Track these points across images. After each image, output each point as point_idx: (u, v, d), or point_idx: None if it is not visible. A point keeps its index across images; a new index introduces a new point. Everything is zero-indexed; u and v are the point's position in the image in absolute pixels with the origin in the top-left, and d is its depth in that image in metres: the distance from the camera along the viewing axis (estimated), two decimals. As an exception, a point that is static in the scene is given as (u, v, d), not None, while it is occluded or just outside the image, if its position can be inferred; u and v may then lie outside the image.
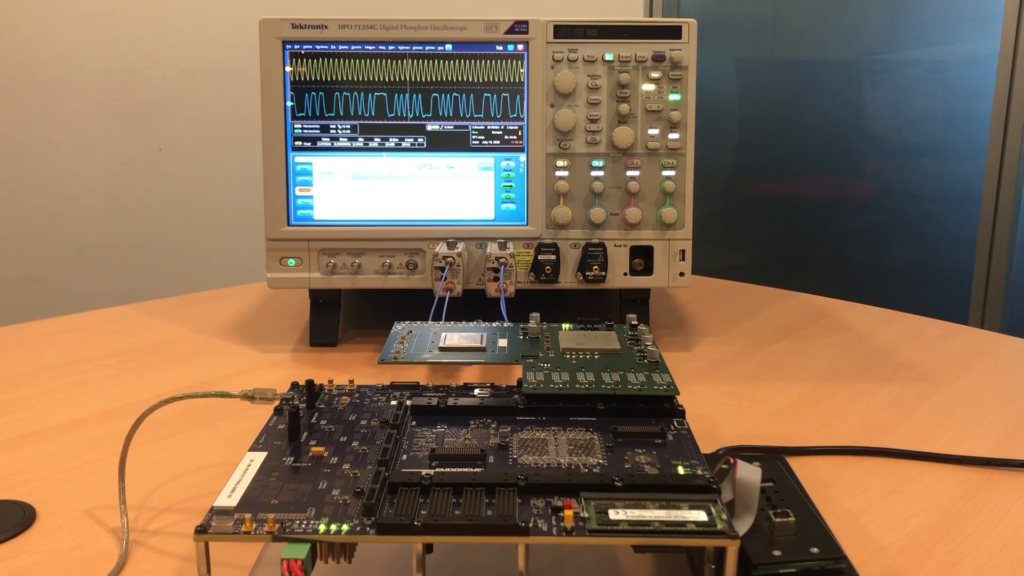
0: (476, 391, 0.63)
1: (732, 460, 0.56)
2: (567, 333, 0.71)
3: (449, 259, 0.86)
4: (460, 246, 0.90)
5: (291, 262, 0.94)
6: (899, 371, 0.91)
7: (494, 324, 0.73)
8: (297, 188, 0.94)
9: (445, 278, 0.86)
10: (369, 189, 0.94)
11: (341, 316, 1.01)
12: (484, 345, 0.68)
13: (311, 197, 0.94)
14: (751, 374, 0.90)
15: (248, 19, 1.06)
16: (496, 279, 0.87)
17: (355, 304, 1.11)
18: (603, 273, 0.93)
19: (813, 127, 2.29)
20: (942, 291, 2.06)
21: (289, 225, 0.94)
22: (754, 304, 1.14)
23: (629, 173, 0.93)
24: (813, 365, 0.93)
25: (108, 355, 0.94)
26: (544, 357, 0.66)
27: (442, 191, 0.94)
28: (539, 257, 0.93)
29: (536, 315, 0.73)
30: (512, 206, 0.94)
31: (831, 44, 2.25)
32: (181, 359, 0.93)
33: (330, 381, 0.65)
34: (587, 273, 0.93)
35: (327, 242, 0.94)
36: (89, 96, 1.85)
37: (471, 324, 0.73)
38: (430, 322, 0.74)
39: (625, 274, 0.94)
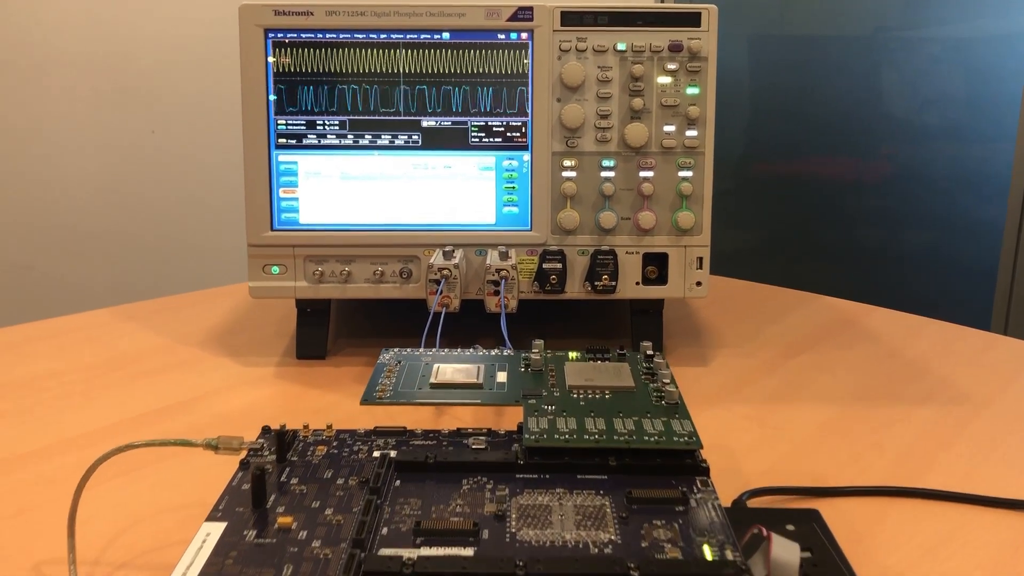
0: (471, 440, 0.54)
1: (766, 533, 0.47)
2: (574, 365, 0.62)
3: (445, 271, 0.77)
4: (458, 255, 0.80)
5: (275, 269, 0.85)
6: (935, 391, 0.82)
7: (492, 352, 0.64)
8: (281, 189, 0.85)
9: (441, 292, 0.77)
10: (359, 191, 0.84)
11: (331, 326, 0.92)
12: (481, 381, 0.59)
13: (296, 199, 0.85)
14: (773, 393, 0.81)
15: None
16: (496, 293, 0.77)
17: (346, 311, 1.02)
18: (613, 283, 0.84)
19: (826, 106, 2.18)
20: (959, 279, 1.96)
21: (272, 230, 0.85)
22: (774, 309, 1.05)
23: (642, 174, 0.84)
24: (840, 383, 0.83)
25: (77, 369, 0.85)
26: (548, 397, 0.57)
27: (439, 193, 0.84)
28: (544, 265, 0.83)
29: (540, 343, 0.64)
30: (515, 209, 0.85)
31: (844, 19, 2.14)
32: (156, 373, 0.84)
33: (305, 426, 0.56)
34: (596, 283, 0.84)
35: (314, 248, 0.84)
36: (79, 79, 1.75)
37: (467, 353, 0.64)
38: (422, 349, 0.65)
39: (637, 283, 0.85)
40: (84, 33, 1.75)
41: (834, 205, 2.19)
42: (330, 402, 0.78)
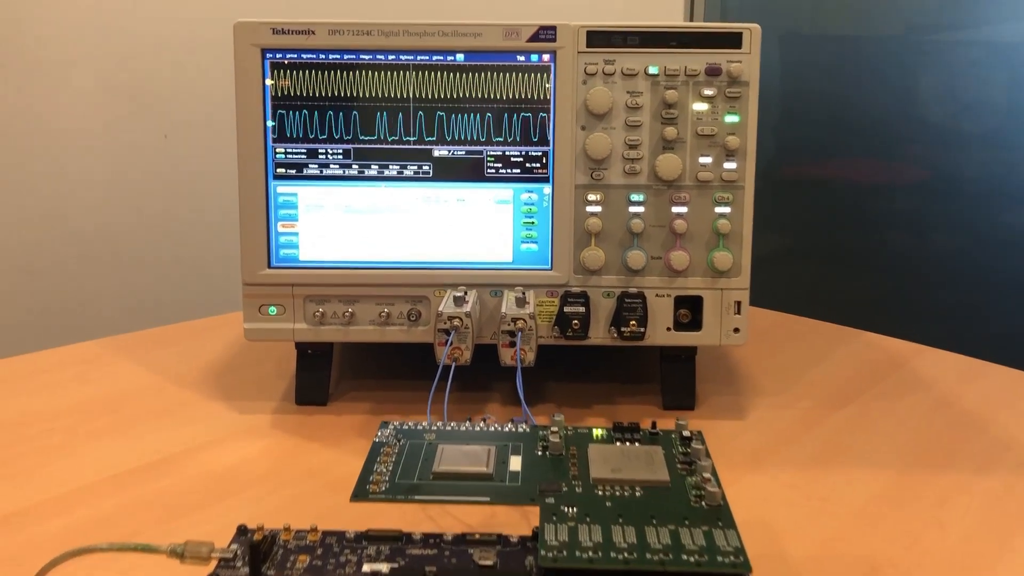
0: (477, 553, 0.45)
1: None
2: (600, 449, 0.53)
3: (456, 320, 0.68)
4: (470, 300, 0.71)
5: (272, 310, 0.76)
6: (996, 452, 0.72)
7: (506, 428, 0.56)
8: (279, 224, 0.76)
9: (451, 344, 0.68)
10: (364, 225, 0.76)
11: (334, 368, 0.83)
12: (491, 470, 0.51)
13: (296, 234, 0.76)
14: (817, 454, 0.71)
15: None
16: (512, 344, 0.68)
17: (351, 350, 0.93)
18: (642, 329, 0.74)
19: (856, 108, 2.06)
20: (992, 290, 1.85)
21: (270, 267, 0.76)
22: (815, 348, 0.96)
23: (675, 209, 0.74)
24: (891, 441, 0.74)
25: (61, 412, 0.77)
26: (569, 494, 0.48)
27: (451, 228, 0.75)
28: (565, 309, 0.74)
29: (560, 419, 0.55)
30: (534, 247, 0.76)
31: (879, 19, 2.01)
32: (142, 421, 0.76)
33: (286, 528, 0.48)
34: (623, 328, 0.74)
35: (314, 287, 0.76)
36: (89, 79, 1.67)
37: (476, 429, 0.55)
38: (425, 423, 0.56)
39: (669, 329, 0.76)
40: (96, 33, 1.67)
41: (864, 209, 2.07)
42: (327, 461, 0.69)
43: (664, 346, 0.77)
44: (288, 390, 0.82)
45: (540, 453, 0.53)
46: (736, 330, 0.76)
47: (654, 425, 0.55)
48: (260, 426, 0.75)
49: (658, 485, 0.49)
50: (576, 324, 0.74)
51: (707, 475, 0.50)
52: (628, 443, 0.53)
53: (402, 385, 0.83)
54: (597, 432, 0.55)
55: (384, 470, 0.51)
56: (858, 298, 1.87)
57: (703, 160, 0.74)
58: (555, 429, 0.54)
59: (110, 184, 1.71)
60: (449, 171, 0.75)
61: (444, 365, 0.68)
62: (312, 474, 0.67)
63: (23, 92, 1.65)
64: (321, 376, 0.80)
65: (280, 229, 0.76)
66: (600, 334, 0.76)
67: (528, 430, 0.55)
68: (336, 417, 0.77)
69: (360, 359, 0.90)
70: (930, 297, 1.93)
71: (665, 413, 0.78)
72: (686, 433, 0.55)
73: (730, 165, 0.74)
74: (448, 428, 0.55)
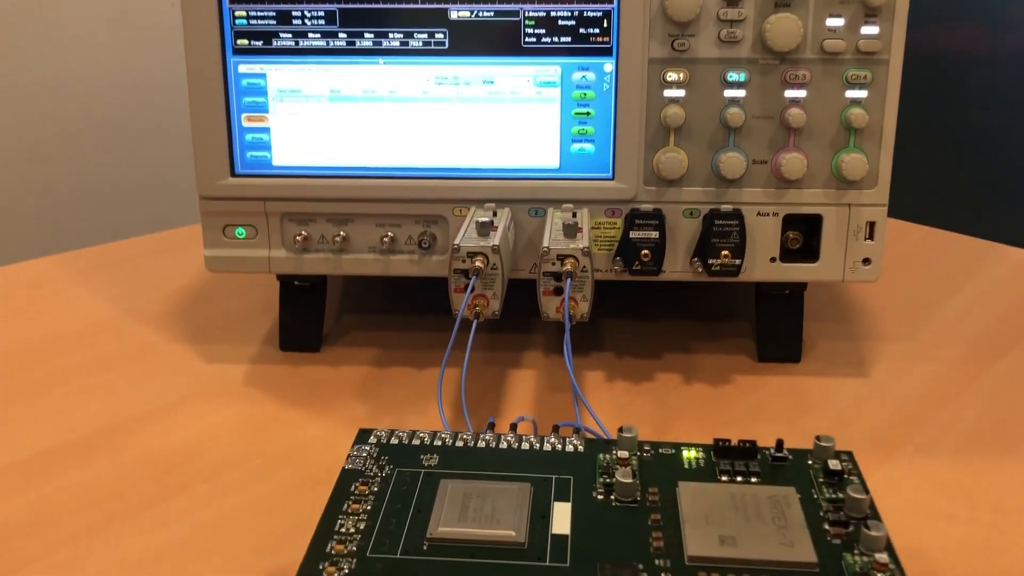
0: None
1: None
2: (697, 493, 0.32)
3: (479, 258, 0.47)
4: (500, 224, 0.50)
5: (240, 232, 0.55)
6: None
7: (548, 444, 0.35)
8: (244, 116, 0.54)
9: (472, 290, 0.47)
10: (357, 118, 0.54)
11: (331, 302, 0.63)
12: (523, 537, 0.30)
13: (266, 131, 0.54)
14: (976, 434, 0.50)
15: None
16: (557, 292, 0.47)
17: (353, 277, 0.72)
18: (737, 261, 0.53)
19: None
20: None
21: (234, 176, 0.55)
22: (948, 270, 0.73)
23: (789, 94, 0.51)
24: (1072, 413, 0.52)
25: (-16, 363, 0.58)
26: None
27: (475, 122, 0.53)
28: (631, 235, 0.53)
29: (631, 436, 0.34)
30: (589, 147, 0.53)
31: None
32: (91, 372, 0.57)
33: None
34: (711, 260, 0.53)
35: (294, 203, 0.55)
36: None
37: (503, 446, 0.35)
38: (424, 434, 0.35)
39: (773, 260, 0.54)
40: None
41: (953, 83, 1.76)
42: (313, 438, 0.50)
43: (762, 282, 0.56)
44: (274, 328, 0.62)
45: (601, 497, 0.32)
46: (866, 261, 0.54)
47: (780, 446, 0.34)
48: (231, 383, 0.56)
49: (801, 569, 0.29)
50: (646, 255, 0.52)
51: (880, 544, 0.29)
52: (739, 478, 0.32)
53: (418, 323, 0.62)
54: (689, 454, 0.34)
55: (351, 528, 0.31)
56: (981, 194, 1.58)
57: (831, 22, 0.50)
58: (623, 455, 0.33)
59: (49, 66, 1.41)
60: (472, 41, 0.52)
61: (463, 318, 0.47)
62: (290, 458, 0.48)
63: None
64: (311, 315, 0.60)
65: (245, 124, 0.54)
66: (679, 267, 0.54)
67: (582, 448, 0.34)
68: (330, 370, 0.57)
69: (365, 287, 0.70)
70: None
71: (760, 368, 0.57)
72: (834, 464, 0.33)
73: (870, 29, 0.50)
74: (459, 444, 0.35)
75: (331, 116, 0.54)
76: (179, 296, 0.68)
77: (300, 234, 0.55)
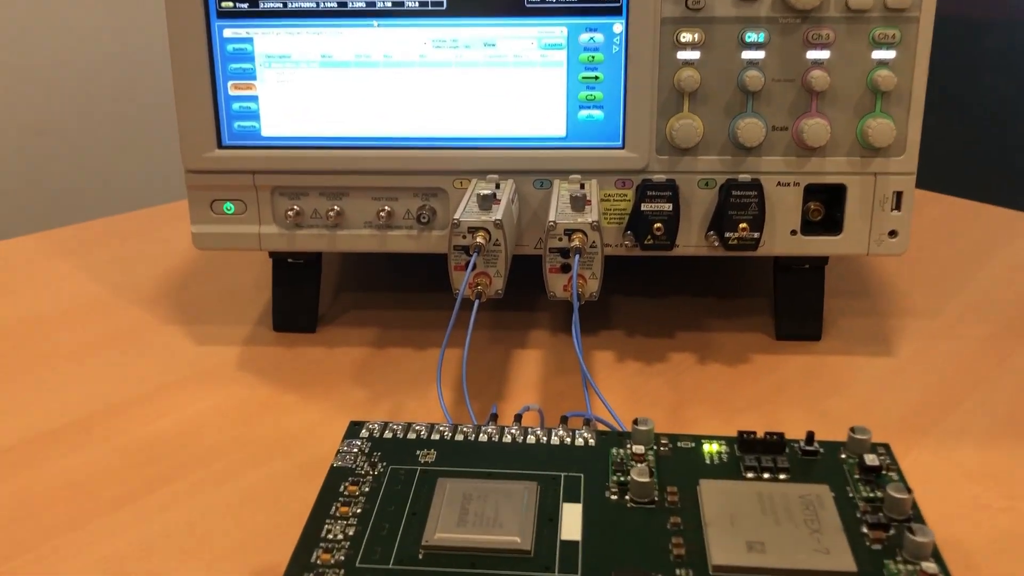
0: None
1: None
2: (720, 491, 0.29)
3: (481, 233, 0.43)
4: (504, 196, 0.47)
5: (229, 208, 0.52)
6: None
7: (556, 437, 0.32)
8: (230, 84, 0.51)
9: (473, 268, 0.43)
10: (350, 85, 0.50)
11: (328, 279, 0.60)
12: (529, 545, 0.27)
13: (254, 99, 0.51)
14: (1004, 416, 0.47)
15: None
16: (564, 269, 0.44)
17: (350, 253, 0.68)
18: (756, 234, 0.49)
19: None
20: None
21: (221, 147, 0.51)
22: (976, 242, 0.69)
23: (812, 55, 0.48)
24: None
25: (-41, 349, 0.55)
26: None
27: (475, 88, 0.50)
28: (643, 207, 0.49)
29: (647, 428, 0.31)
30: (598, 114, 0.50)
31: None
32: (74, 357, 0.54)
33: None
34: (728, 234, 0.49)
35: (285, 175, 0.51)
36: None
37: (507, 440, 0.32)
38: (421, 426, 0.32)
39: (794, 232, 0.50)
40: None
41: (969, 48, 1.70)
42: (305, 424, 0.47)
43: (781, 256, 0.52)
44: (267, 309, 0.59)
45: (615, 498, 0.29)
46: (892, 233, 0.50)
47: (810, 438, 0.31)
48: (222, 366, 0.53)
49: (835, 584, 0.26)
50: (659, 229, 0.49)
51: (930, 567, 0.26)
52: (766, 474, 0.29)
53: (420, 301, 0.59)
54: (710, 448, 0.31)
55: (339, 535, 0.28)
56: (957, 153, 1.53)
57: (859, -23, 0.46)
58: (639, 450, 0.30)
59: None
60: (472, 0, 0.48)
61: (463, 298, 0.44)
62: (283, 447, 0.45)
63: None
64: (306, 294, 0.56)
65: (232, 92, 0.51)
66: (693, 241, 0.51)
67: (594, 442, 0.31)
68: (326, 351, 0.54)
69: (364, 264, 0.66)
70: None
71: (778, 346, 0.54)
72: (871, 459, 0.30)
73: (900, -16, 0.46)
74: (458, 438, 0.32)
75: (322, 83, 0.50)
76: (169, 275, 0.65)
77: (292, 209, 0.52)
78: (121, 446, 0.45)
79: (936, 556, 0.27)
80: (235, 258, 0.66)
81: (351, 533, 0.29)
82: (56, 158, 1.33)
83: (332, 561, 0.27)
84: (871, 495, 0.30)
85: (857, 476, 0.31)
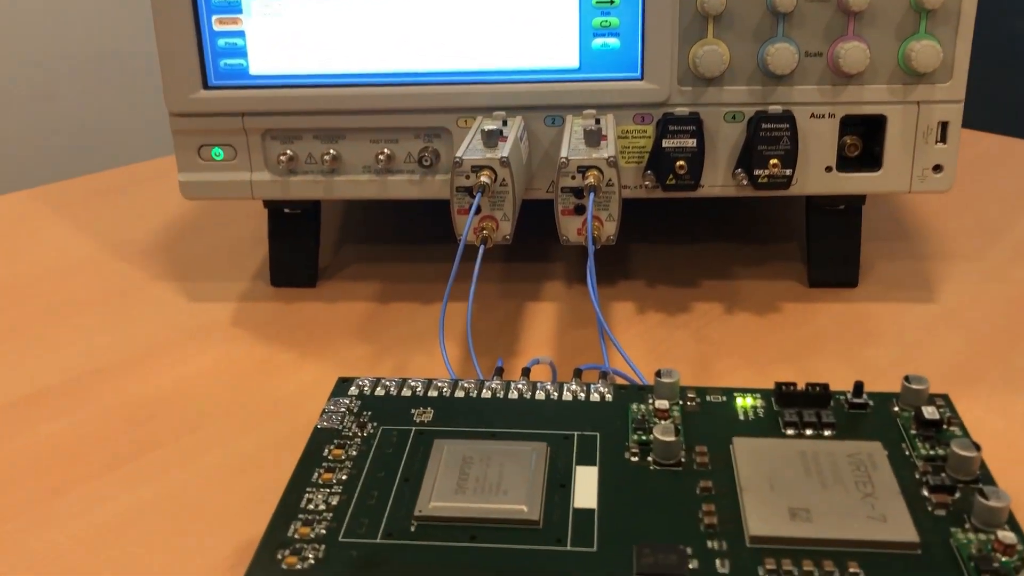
0: None
1: None
2: (756, 450, 0.25)
3: (485, 172, 0.39)
4: (511, 133, 0.42)
5: (217, 153, 0.48)
6: None
7: (569, 392, 0.28)
8: (215, 19, 0.46)
9: (477, 210, 0.39)
10: (345, 16, 0.46)
11: (328, 231, 0.56)
12: (537, 514, 0.23)
13: (241, 34, 0.47)
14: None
15: None
16: (579, 211, 0.40)
17: (352, 200, 0.65)
18: (788, 171, 0.45)
19: None
20: None
21: (207, 87, 0.47)
22: (1020, 179, 0.64)
23: (849, -29, 0.43)
24: None
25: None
26: (705, 569, 0.21)
27: (479, 17, 0.45)
28: (664, 144, 0.45)
29: (672, 381, 0.27)
30: (614, 42, 0.45)
31: None
32: (65, 316, 0.51)
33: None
34: (757, 171, 0.45)
35: (277, 117, 0.47)
36: None
37: (513, 396, 0.28)
38: (416, 382, 0.29)
39: (829, 169, 0.46)
40: None
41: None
42: (303, 385, 0.43)
43: (813, 196, 0.48)
44: (265, 263, 0.55)
45: (635, 460, 0.25)
46: (937, 168, 0.46)
47: (859, 389, 0.27)
48: (217, 323, 0.49)
49: (897, 550, 0.22)
50: (682, 167, 0.45)
51: (1007, 536, 0.22)
52: (808, 431, 0.25)
53: (427, 252, 0.55)
54: (744, 402, 0.27)
55: (321, 505, 0.24)
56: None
57: None
58: (663, 406, 0.26)
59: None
60: (473, -80, 0.44)
61: (468, 244, 0.40)
62: (278, 408, 0.41)
63: None
64: (305, 246, 0.53)
65: (217, 27, 0.46)
66: (719, 180, 0.46)
67: (611, 397, 0.27)
68: (326, 307, 0.51)
69: (366, 212, 0.62)
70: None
71: (812, 294, 0.50)
72: (930, 412, 0.26)
73: None
74: (459, 394, 0.28)
75: (315, 15, 0.46)
76: (163, 229, 0.61)
77: (285, 153, 0.48)
78: (112, 408, 0.42)
79: (1012, 523, 0.23)
80: (231, 211, 0.63)
81: (334, 503, 0.25)
82: (42, 113, 1.29)
83: (312, 535, 0.24)
84: (931, 453, 0.26)
85: (914, 431, 0.27)
